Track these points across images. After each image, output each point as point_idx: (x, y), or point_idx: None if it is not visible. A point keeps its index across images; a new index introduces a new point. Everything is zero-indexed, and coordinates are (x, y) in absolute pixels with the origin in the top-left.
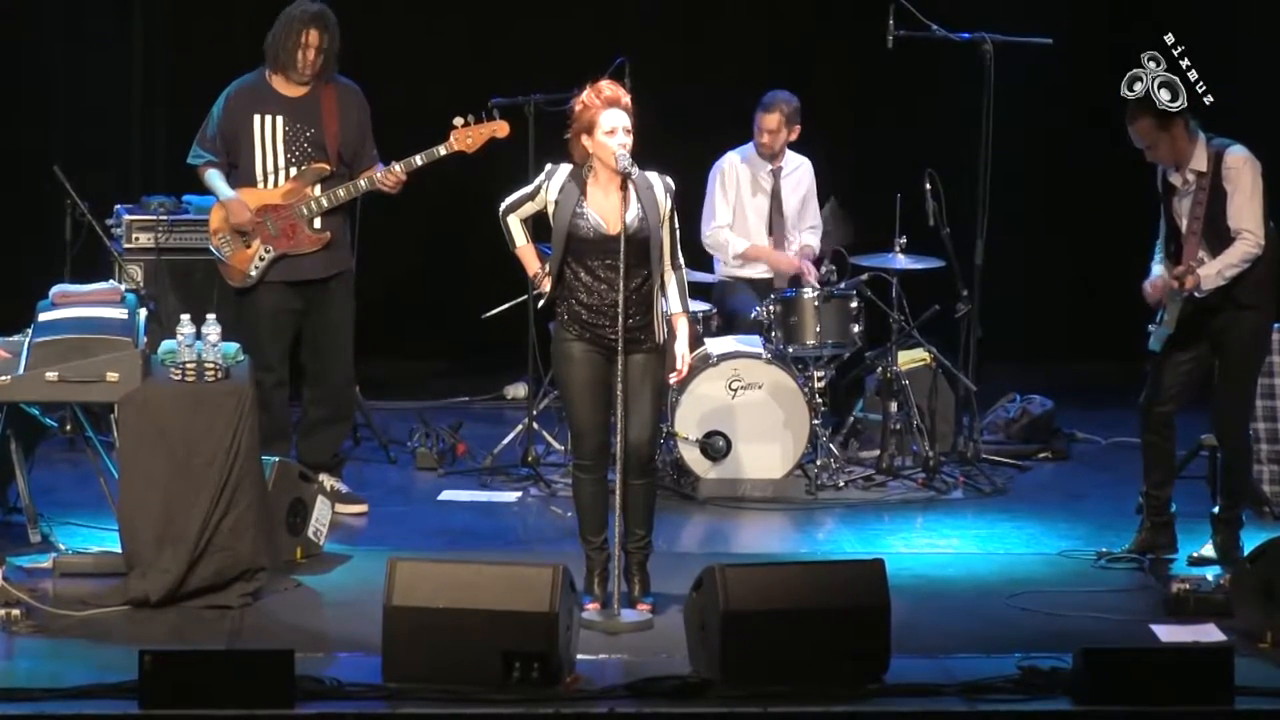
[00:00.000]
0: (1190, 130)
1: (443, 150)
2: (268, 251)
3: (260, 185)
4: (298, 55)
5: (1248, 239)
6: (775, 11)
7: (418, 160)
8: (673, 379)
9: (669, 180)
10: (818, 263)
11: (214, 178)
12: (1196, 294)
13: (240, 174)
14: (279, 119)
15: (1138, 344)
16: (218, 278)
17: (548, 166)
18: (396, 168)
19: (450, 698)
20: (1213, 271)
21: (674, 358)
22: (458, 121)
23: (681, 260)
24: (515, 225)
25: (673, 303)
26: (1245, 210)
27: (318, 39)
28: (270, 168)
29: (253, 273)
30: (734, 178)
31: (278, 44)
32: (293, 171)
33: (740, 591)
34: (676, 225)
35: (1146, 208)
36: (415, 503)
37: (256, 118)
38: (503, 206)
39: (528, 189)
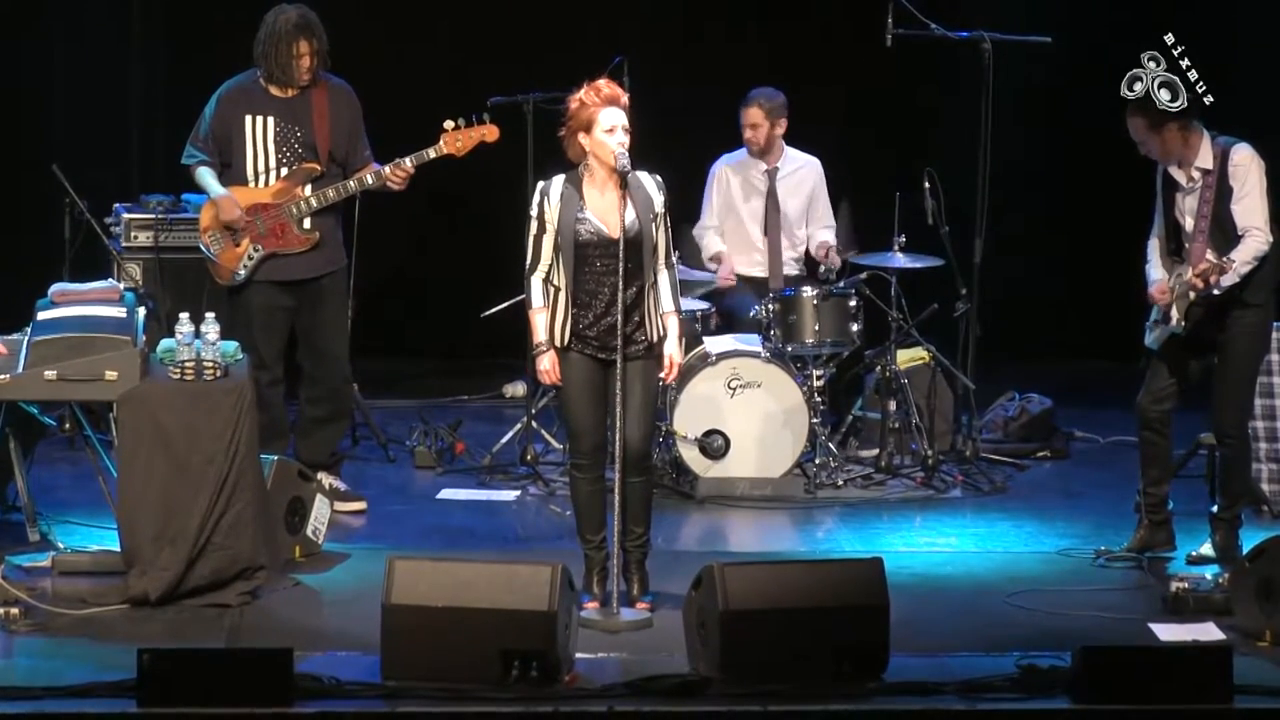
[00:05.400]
0: (1187, 130)
1: (432, 153)
2: (256, 250)
3: (251, 185)
4: (293, 67)
5: (1257, 235)
6: (774, 11)
7: (407, 162)
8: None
9: (659, 179)
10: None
11: (205, 175)
12: (1216, 291)
13: (232, 174)
14: (270, 119)
15: (1136, 342)
16: (208, 277)
17: (540, 184)
18: (385, 170)
19: (449, 696)
20: (1230, 268)
21: (663, 357)
22: (448, 125)
23: (674, 259)
24: (536, 286)
25: (664, 301)
26: (1254, 208)
27: (308, 46)
28: (261, 168)
29: (241, 271)
30: (724, 183)
31: (270, 59)
32: (284, 172)
33: (739, 590)
34: (669, 224)
35: (1145, 206)
36: (414, 501)
37: (248, 118)
38: (525, 268)
39: (532, 229)
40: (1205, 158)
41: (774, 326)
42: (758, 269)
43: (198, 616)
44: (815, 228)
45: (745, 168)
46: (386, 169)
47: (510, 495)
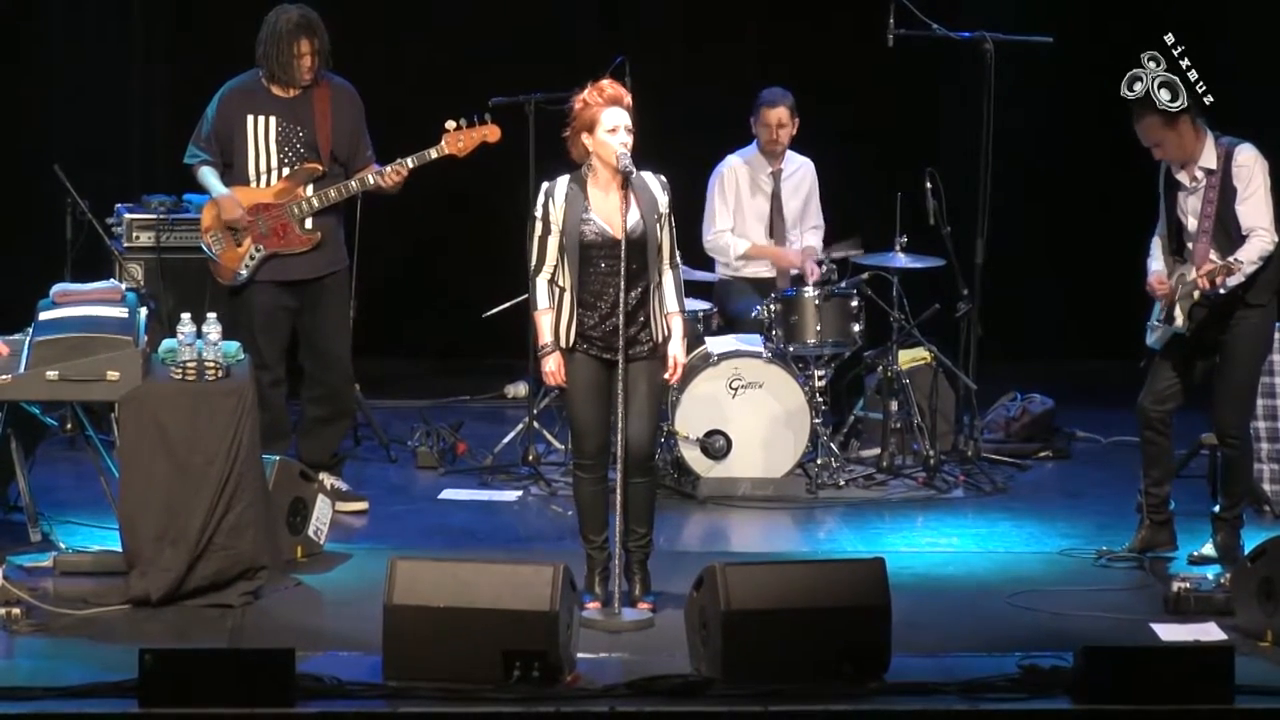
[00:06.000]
0: (1198, 128)
1: (434, 153)
2: (258, 250)
3: (253, 185)
4: (294, 66)
5: (1262, 235)
6: (774, 11)
7: (409, 163)
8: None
9: (663, 179)
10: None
11: (208, 175)
12: (1221, 291)
13: (233, 174)
14: (272, 119)
15: (1138, 342)
16: (209, 277)
17: (544, 185)
18: (388, 170)
19: (450, 696)
20: (1237, 269)
21: (667, 358)
22: (450, 125)
23: (679, 259)
24: (541, 287)
25: (669, 301)
26: (1260, 208)
27: (309, 45)
28: (263, 168)
29: (243, 271)
30: (734, 181)
31: (271, 58)
32: (285, 171)
33: (741, 590)
34: (673, 224)
35: (1145, 205)
36: (415, 501)
37: (250, 118)
38: (531, 269)
39: (537, 230)
40: (1209, 158)
41: (776, 327)
42: (762, 269)
43: (199, 617)
44: (804, 228)
45: (754, 167)
46: (388, 169)
47: (512, 495)
